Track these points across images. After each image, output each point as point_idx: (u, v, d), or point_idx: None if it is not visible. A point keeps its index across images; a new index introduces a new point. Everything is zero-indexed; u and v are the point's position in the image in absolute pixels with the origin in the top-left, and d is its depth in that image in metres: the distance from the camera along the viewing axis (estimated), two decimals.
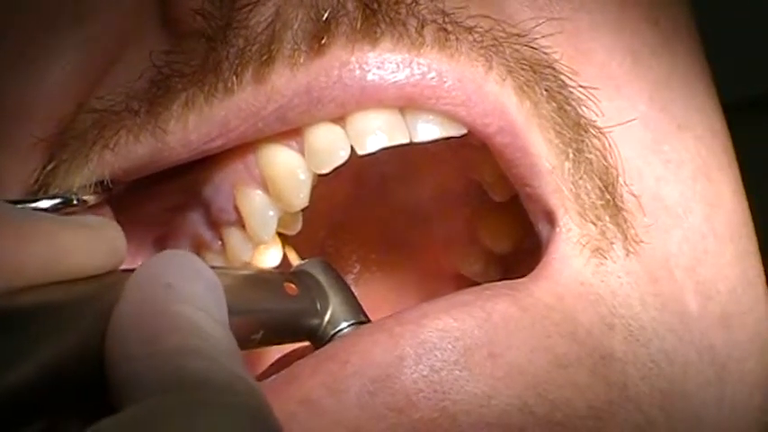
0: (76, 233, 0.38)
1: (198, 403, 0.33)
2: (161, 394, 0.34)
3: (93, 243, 0.38)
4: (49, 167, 0.50)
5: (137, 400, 0.34)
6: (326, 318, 0.50)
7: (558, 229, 0.49)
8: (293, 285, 0.49)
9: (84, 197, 0.49)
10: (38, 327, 0.35)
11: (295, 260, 0.54)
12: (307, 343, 0.51)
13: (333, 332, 0.50)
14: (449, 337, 0.45)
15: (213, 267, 0.42)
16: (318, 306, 0.49)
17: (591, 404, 0.46)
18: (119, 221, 0.50)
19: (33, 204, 0.48)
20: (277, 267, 0.55)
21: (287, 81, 0.47)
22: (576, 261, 0.49)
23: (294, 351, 0.52)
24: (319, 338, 0.50)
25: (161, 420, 0.32)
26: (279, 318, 0.48)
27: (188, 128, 0.48)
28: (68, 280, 0.37)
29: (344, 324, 0.50)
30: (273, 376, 0.47)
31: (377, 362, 0.45)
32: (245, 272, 0.50)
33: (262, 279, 0.50)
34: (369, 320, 0.51)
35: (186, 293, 0.38)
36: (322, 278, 0.51)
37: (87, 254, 0.38)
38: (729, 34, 0.92)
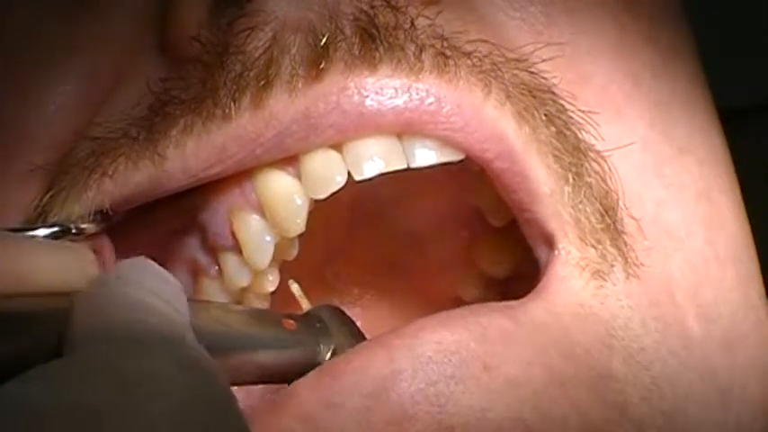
0: (48, 254, 0.41)
1: (135, 346, 0.35)
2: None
3: (62, 264, 0.41)
4: (49, 195, 0.49)
5: None
6: (329, 354, 0.49)
7: (556, 252, 0.49)
8: (292, 321, 0.49)
9: (83, 226, 0.49)
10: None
11: (300, 296, 0.53)
12: None
13: None
14: (445, 351, 0.45)
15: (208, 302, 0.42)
16: (320, 343, 0.49)
17: (588, 420, 0.46)
18: (117, 248, 0.50)
19: (31, 233, 0.48)
20: (272, 293, 0.54)
21: (285, 107, 0.47)
22: (574, 283, 0.49)
23: None
24: None
25: (95, 364, 0.34)
26: (276, 351, 0.47)
27: (186, 154, 0.48)
28: (41, 293, 0.40)
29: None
30: (272, 396, 0.46)
31: (373, 376, 0.45)
32: (243, 308, 0.50)
33: (259, 313, 0.50)
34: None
35: (135, 280, 0.40)
36: (327, 319, 0.50)
37: (55, 272, 0.40)
38: (736, 39, 0.92)
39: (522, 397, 0.45)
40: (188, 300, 0.49)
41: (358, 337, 0.50)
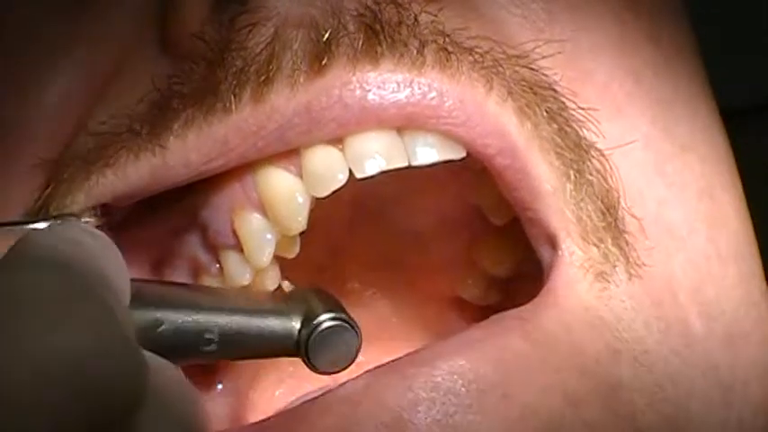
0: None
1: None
2: None
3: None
4: (50, 188, 0.49)
5: None
6: (299, 322, 0.48)
7: (560, 253, 0.49)
8: (262, 295, 0.48)
9: (84, 219, 0.49)
10: None
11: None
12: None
13: (310, 331, 0.48)
14: (462, 380, 0.45)
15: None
16: (293, 311, 0.48)
17: None
18: (118, 244, 0.50)
19: (31, 225, 0.48)
20: (275, 291, 0.54)
21: (286, 100, 0.47)
22: (579, 286, 0.49)
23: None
24: (296, 342, 0.48)
25: None
26: (249, 323, 0.47)
27: (188, 146, 0.48)
28: None
29: (324, 317, 0.48)
30: (280, 414, 0.46)
31: (390, 405, 0.45)
32: (217, 287, 0.51)
33: (232, 291, 0.50)
34: (346, 314, 0.49)
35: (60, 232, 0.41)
36: (310, 298, 0.50)
37: None
38: (736, 37, 0.92)
39: (539, 424, 0.45)
40: (166, 282, 0.50)
41: (339, 312, 0.49)
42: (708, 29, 0.61)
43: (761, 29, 0.99)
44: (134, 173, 0.48)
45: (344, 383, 0.47)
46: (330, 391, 0.47)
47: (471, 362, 0.46)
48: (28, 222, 0.48)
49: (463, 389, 0.45)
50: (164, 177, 0.49)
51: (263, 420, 0.48)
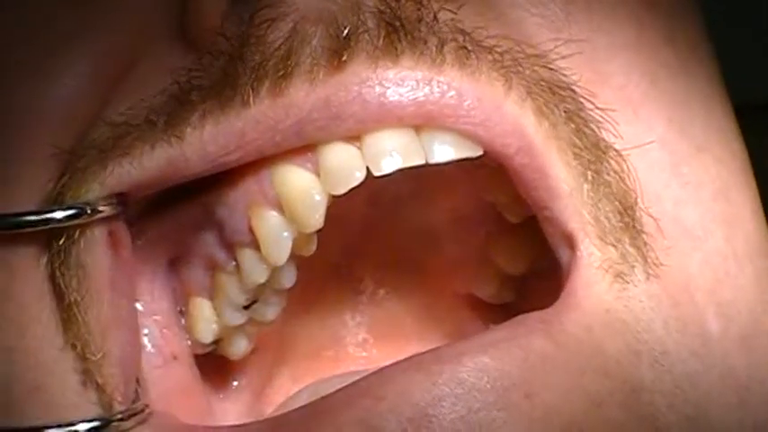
0: None
1: None
2: None
3: None
4: (66, 177, 0.49)
5: None
6: None
7: (579, 254, 0.49)
8: None
9: (99, 207, 0.48)
10: None
11: None
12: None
13: None
14: (487, 377, 0.45)
15: None
16: None
17: None
18: (134, 242, 0.50)
19: (47, 215, 0.48)
20: (292, 289, 0.54)
21: (305, 95, 0.47)
22: (599, 287, 0.49)
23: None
24: None
25: None
26: None
27: (204, 137, 0.48)
28: None
29: None
30: (301, 406, 0.46)
31: (414, 401, 0.45)
32: None
33: None
34: None
35: None
36: None
37: None
38: (737, 38, 0.93)
39: (563, 425, 0.45)
40: None
41: None
42: (708, 29, 0.61)
43: (761, 29, 0.99)
44: (150, 163, 0.48)
45: (366, 377, 0.47)
46: (352, 384, 0.47)
47: (496, 360, 0.46)
48: (45, 212, 0.48)
49: (488, 386, 0.45)
50: (180, 168, 0.48)
51: (285, 413, 0.48)
